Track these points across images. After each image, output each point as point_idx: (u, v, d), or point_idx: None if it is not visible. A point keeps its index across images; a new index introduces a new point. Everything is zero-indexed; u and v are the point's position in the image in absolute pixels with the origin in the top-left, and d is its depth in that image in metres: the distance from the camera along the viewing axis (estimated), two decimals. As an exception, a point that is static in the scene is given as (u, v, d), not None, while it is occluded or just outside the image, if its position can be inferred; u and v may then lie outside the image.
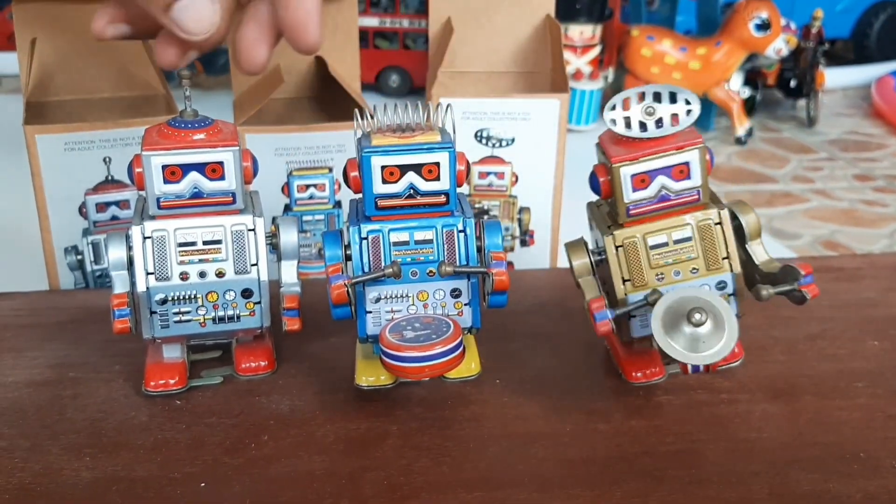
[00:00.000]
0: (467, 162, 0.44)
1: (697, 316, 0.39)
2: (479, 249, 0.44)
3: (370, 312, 0.44)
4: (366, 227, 0.43)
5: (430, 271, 0.44)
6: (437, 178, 0.43)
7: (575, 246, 0.46)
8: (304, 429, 0.43)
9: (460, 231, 0.44)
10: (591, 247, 0.46)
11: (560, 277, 0.62)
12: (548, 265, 0.68)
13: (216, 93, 1.28)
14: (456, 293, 0.44)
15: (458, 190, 0.44)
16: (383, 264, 0.43)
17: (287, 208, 0.62)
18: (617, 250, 0.44)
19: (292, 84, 0.67)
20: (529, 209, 0.66)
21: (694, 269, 0.44)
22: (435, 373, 0.40)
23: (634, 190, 0.44)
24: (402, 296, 0.44)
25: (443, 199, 0.43)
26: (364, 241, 0.43)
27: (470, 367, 0.46)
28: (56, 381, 0.47)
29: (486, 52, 0.69)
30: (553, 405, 0.45)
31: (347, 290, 0.42)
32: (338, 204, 0.63)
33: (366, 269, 0.43)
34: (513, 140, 0.64)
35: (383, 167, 0.42)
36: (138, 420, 0.44)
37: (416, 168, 0.42)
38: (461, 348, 0.41)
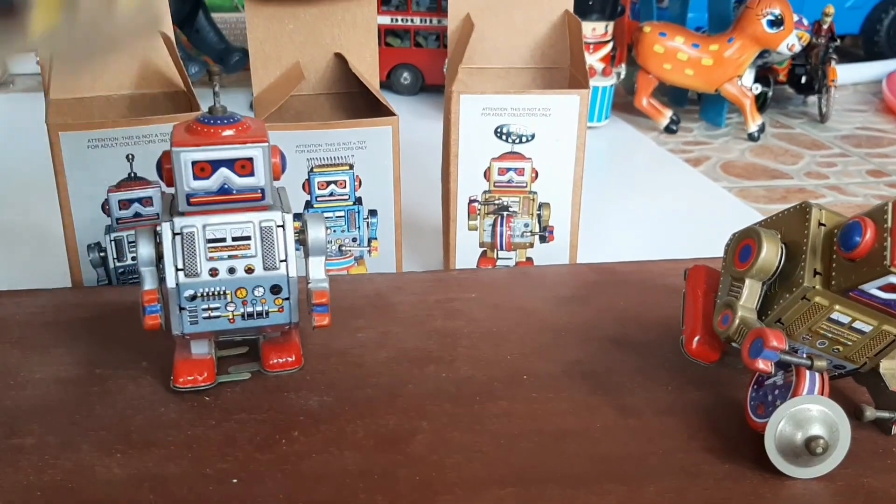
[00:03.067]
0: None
1: (814, 447, 0.38)
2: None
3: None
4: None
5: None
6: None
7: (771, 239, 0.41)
8: (334, 424, 0.43)
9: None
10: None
11: (581, 273, 0.62)
12: (567, 261, 0.67)
13: (231, 90, 1.27)
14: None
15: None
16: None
17: (307, 205, 0.62)
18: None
19: (312, 81, 0.67)
20: (549, 205, 0.66)
21: None
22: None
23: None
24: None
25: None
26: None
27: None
28: (83, 378, 0.47)
29: (505, 48, 0.69)
30: (583, 401, 0.45)
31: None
32: (358, 200, 0.63)
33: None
34: (533, 136, 0.64)
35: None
36: (168, 417, 0.44)
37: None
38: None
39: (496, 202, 0.66)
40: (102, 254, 0.59)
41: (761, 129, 1.21)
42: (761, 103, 1.27)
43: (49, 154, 0.56)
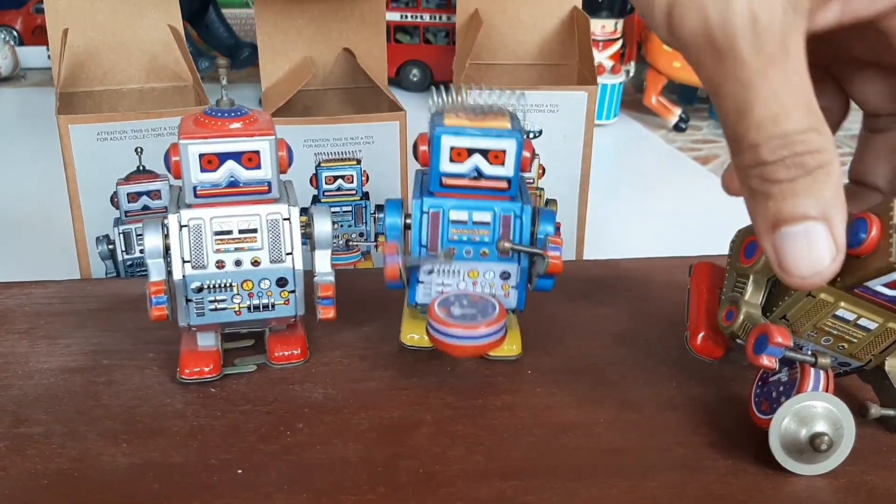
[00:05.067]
0: (533, 150, 0.45)
1: (819, 443, 0.38)
2: (532, 235, 0.45)
3: (422, 283, 0.46)
4: (428, 202, 0.45)
5: (484, 252, 0.45)
6: (503, 164, 0.44)
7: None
8: (338, 416, 0.43)
9: (517, 216, 0.45)
10: None
11: (586, 268, 0.62)
12: (573, 256, 0.68)
13: (240, 85, 1.28)
14: (505, 275, 0.46)
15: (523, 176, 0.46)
16: (440, 240, 0.45)
17: (315, 199, 0.62)
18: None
19: (320, 76, 0.67)
20: (556, 201, 0.66)
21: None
22: (477, 352, 0.43)
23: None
24: (454, 271, 0.46)
25: (505, 184, 0.44)
26: (425, 215, 0.45)
27: (511, 347, 0.48)
28: (90, 368, 0.47)
29: (513, 45, 0.69)
30: (585, 395, 0.45)
31: (400, 271, 0.44)
32: (365, 195, 0.63)
33: (423, 242, 0.45)
34: (540, 132, 0.64)
35: (452, 147, 0.44)
36: (173, 407, 0.44)
37: (483, 152, 0.44)
38: (503, 332, 0.43)
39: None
40: (111, 246, 0.59)
41: (771, 128, 1.20)
42: (771, 102, 1.26)
43: (59, 146, 0.56)
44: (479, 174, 0.44)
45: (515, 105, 0.45)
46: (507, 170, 0.44)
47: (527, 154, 0.44)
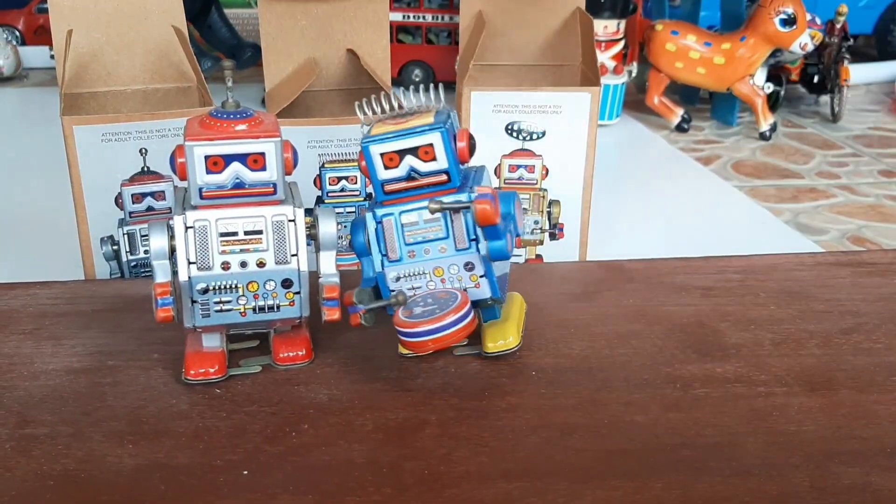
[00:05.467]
0: (469, 137, 0.45)
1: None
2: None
3: (393, 291, 0.46)
4: (379, 212, 0.46)
5: (442, 248, 0.46)
6: (434, 158, 0.45)
7: None
8: (343, 417, 0.44)
9: (465, 207, 0.45)
10: None
11: (590, 270, 0.62)
12: (577, 258, 0.68)
13: (242, 86, 1.28)
14: (469, 266, 0.46)
15: (473, 164, 0.47)
16: (398, 245, 0.46)
17: (319, 200, 0.62)
18: None
19: (324, 77, 0.67)
20: (559, 202, 0.66)
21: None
22: (444, 343, 0.43)
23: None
24: (419, 273, 0.46)
25: (444, 177, 0.45)
26: (379, 226, 0.46)
27: (508, 339, 0.48)
28: (95, 369, 0.47)
29: (516, 45, 0.69)
30: (589, 396, 0.45)
31: (362, 318, 0.45)
32: (369, 196, 0.63)
33: (382, 251, 0.46)
34: (543, 133, 0.64)
35: (382, 154, 0.45)
36: (179, 408, 0.44)
37: (413, 151, 0.44)
38: (471, 315, 0.44)
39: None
40: (115, 247, 0.59)
41: (773, 129, 1.20)
42: (773, 102, 1.26)
43: (63, 147, 0.56)
44: (417, 173, 0.45)
45: (435, 100, 0.45)
46: (441, 162, 0.45)
47: (462, 143, 0.45)
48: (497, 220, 0.43)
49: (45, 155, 0.76)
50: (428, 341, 0.43)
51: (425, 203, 0.45)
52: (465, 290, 0.46)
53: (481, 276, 0.46)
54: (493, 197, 0.43)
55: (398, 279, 0.46)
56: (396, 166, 0.45)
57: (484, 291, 0.46)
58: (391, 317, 0.45)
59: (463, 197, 0.45)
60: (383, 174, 0.45)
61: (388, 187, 0.45)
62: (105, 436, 0.42)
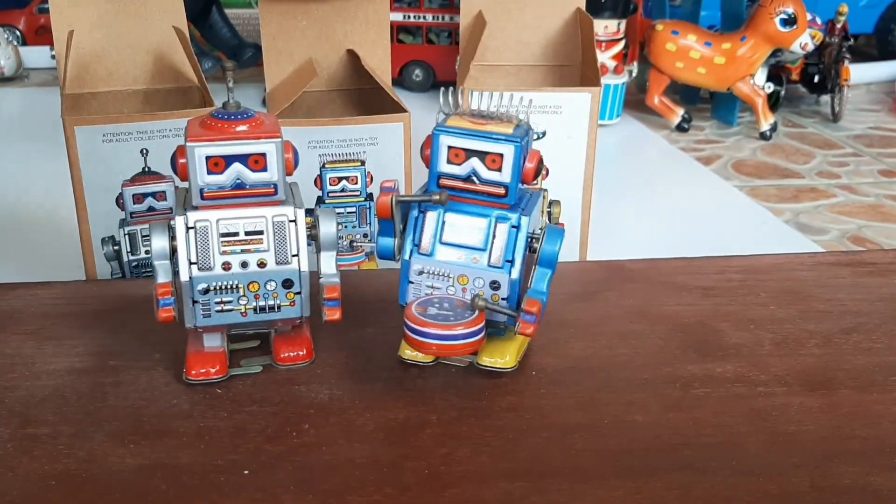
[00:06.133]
0: (539, 160, 0.44)
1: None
2: (533, 251, 0.45)
3: (412, 283, 0.45)
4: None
5: (475, 258, 0.44)
6: (499, 169, 0.43)
7: None
8: (344, 417, 0.44)
9: (513, 227, 0.44)
10: None
11: (590, 270, 0.62)
12: (577, 258, 0.68)
13: (243, 86, 1.28)
14: (495, 285, 0.45)
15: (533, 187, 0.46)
16: (433, 241, 0.45)
17: (319, 200, 0.63)
18: None
19: (324, 77, 0.67)
20: (559, 202, 0.66)
21: None
22: (450, 352, 0.42)
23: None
24: (443, 274, 0.45)
25: (502, 190, 0.44)
26: (421, 215, 0.45)
27: (505, 357, 0.47)
28: (97, 369, 0.48)
29: (516, 46, 0.70)
30: (590, 396, 0.46)
31: (391, 202, 0.44)
32: (369, 196, 0.63)
33: (416, 242, 0.45)
34: (544, 133, 0.64)
35: (449, 147, 0.44)
36: (180, 408, 0.44)
37: (481, 155, 0.43)
38: (481, 334, 0.43)
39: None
40: (116, 247, 0.60)
41: (773, 128, 1.20)
42: (773, 102, 1.26)
43: (64, 148, 0.56)
44: (478, 178, 0.44)
45: (521, 110, 0.45)
46: (504, 175, 0.43)
47: (530, 165, 0.44)
48: (534, 335, 0.44)
49: (47, 155, 0.76)
50: (433, 345, 0.43)
51: (474, 208, 0.44)
52: None
53: (504, 298, 0.45)
54: (536, 320, 0.43)
55: (421, 273, 0.45)
56: (460, 163, 0.44)
57: (502, 315, 0.45)
58: (402, 308, 0.45)
59: (511, 218, 0.44)
60: (444, 167, 0.44)
61: (444, 181, 0.44)
62: (107, 436, 0.42)
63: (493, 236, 0.44)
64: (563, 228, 0.45)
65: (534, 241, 0.45)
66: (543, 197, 0.67)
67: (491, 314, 0.44)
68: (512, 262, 0.44)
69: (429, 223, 0.45)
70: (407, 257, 0.45)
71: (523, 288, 0.45)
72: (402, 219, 0.45)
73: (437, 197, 0.43)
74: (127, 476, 0.39)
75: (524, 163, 0.44)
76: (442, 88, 0.45)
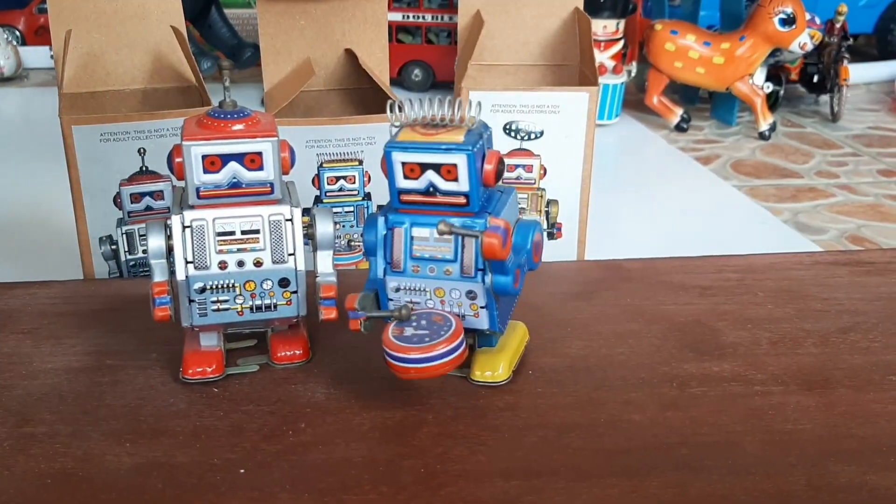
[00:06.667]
0: (498, 160, 0.43)
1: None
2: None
3: (392, 300, 0.45)
4: (391, 218, 0.44)
5: (447, 270, 0.44)
6: (456, 179, 0.42)
7: None
8: (341, 416, 0.44)
9: (473, 235, 0.43)
10: None
11: (588, 269, 0.62)
12: (575, 257, 0.68)
13: (242, 86, 1.29)
14: (471, 295, 0.44)
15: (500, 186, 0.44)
16: (404, 256, 0.44)
17: (317, 200, 0.63)
18: None
19: (322, 77, 0.67)
20: (557, 202, 0.66)
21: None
22: (426, 375, 0.41)
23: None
24: (419, 289, 0.44)
25: (462, 199, 0.43)
26: (389, 232, 0.44)
27: (497, 371, 0.46)
28: (94, 369, 0.48)
29: (514, 45, 0.70)
30: (587, 396, 0.46)
31: (361, 325, 0.44)
32: (367, 196, 0.63)
33: (387, 259, 0.44)
34: (541, 133, 0.64)
35: (403, 163, 0.42)
36: (177, 407, 0.44)
37: (435, 167, 0.42)
38: (462, 348, 0.42)
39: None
40: (114, 246, 0.60)
41: (772, 128, 1.20)
42: (773, 102, 1.27)
43: (62, 147, 0.57)
44: (436, 190, 0.43)
45: (475, 115, 0.43)
46: (461, 185, 0.42)
47: (489, 167, 0.42)
48: (504, 257, 0.41)
49: (45, 155, 0.76)
50: (411, 369, 0.41)
51: (438, 219, 0.43)
52: (463, 317, 0.44)
53: (482, 307, 0.44)
54: (505, 232, 0.41)
55: (398, 290, 0.44)
56: (416, 178, 0.43)
57: (482, 322, 0.44)
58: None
59: (477, 224, 0.43)
60: (402, 183, 0.43)
61: (405, 197, 0.43)
62: (104, 435, 0.42)
63: (462, 247, 0.43)
64: (537, 221, 0.45)
65: None
66: (541, 196, 0.67)
67: (470, 323, 0.44)
68: (484, 269, 0.43)
69: (397, 240, 0.44)
70: (381, 276, 0.44)
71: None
72: (377, 305, 0.45)
73: (399, 313, 0.43)
74: (124, 475, 0.39)
75: (482, 166, 0.42)
76: (388, 102, 0.44)
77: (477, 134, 0.42)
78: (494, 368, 0.46)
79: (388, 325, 0.43)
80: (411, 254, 0.44)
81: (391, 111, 0.43)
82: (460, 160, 0.41)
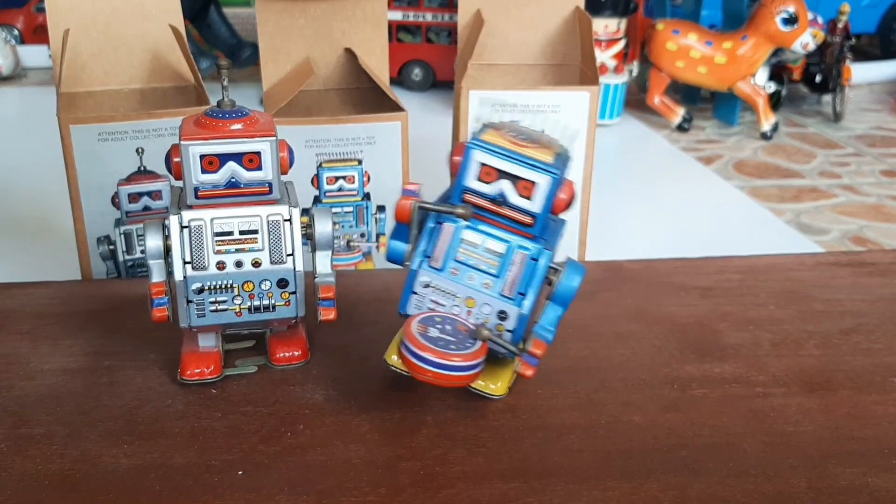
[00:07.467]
0: (572, 193, 0.42)
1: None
2: (549, 283, 0.42)
3: (416, 294, 0.43)
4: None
5: (486, 283, 0.42)
6: (530, 197, 0.41)
7: None
8: (339, 418, 0.43)
9: (533, 259, 0.42)
10: None
11: (589, 270, 0.62)
12: (576, 258, 0.67)
13: (241, 85, 1.28)
14: (502, 315, 0.42)
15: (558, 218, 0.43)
16: (445, 256, 0.42)
17: (316, 200, 0.62)
18: None
19: (322, 76, 0.67)
20: (558, 202, 0.66)
21: None
22: (442, 382, 0.40)
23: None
24: (450, 292, 0.42)
25: (529, 219, 0.41)
26: (437, 226, 0.42)
27: (497, 384, 0.44)
28: (92, 369, 0.47)
29: (515, 45, 0.69)
30: (587, 397, 0.45)
31: (413, 208, 0.41)
32: (367, 196, 0.63)
33: (427, 253, 0.42)
34: (542, 132, 0.64)
35: (482, 164, 0.41)
36: (174, 408, 0.44)
37: (513, 178, 0.41)
38: (478, 369, 0.40)
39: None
40: (112, 247, 0.59)
41: (774, 128, 1.20)
42: (775, 102, 1.26)
43: (60, 147, 0.56)
44: (504, 200, 0.41)
45: (565, 138, 0.42)
46: (535, 205, 0.41)
47: (563, 196, 0.41)
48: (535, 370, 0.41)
49: (44, 154, 0.76)
50: (427, 370, 0.39)
51: (495, 231, 0.41)
52: None
53: (508, 331, 0.42)
54: (538, 362, 0.41)
55: (427, 286, 0.43)
56: (489, 182, 0.41)
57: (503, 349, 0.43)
58: (402, 316, 0.43)
59: (532, 249, 0.41)
60: (472, 182, 0.41)
61: (468, 197, 0.41)
62: (101, 436, 0.42)
63: (511, 264, 0.42)
64: (585, 266, 0.43)
65: (552, 273, 0.42)
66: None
67: (491, 344, 0.42)
68: (525, 295, 0.42)
69: (444, 237, 0.42)
70: (415, 267, 0.42)
71: (531, 321, 0.43)
72: (419, 226, 0.43)
73: (461, 211, 0.41)
74: (121, 476, 0.39)
75: (557, 194, 0.41)
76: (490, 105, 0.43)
77: (564, 160, 0.42)
78: (494, 381, 0.44)
79: (415, 317, 0.41)
80: (455, 255, 0.42)
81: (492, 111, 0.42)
82: (543, 180, 0.40)
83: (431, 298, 0.43)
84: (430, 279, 0.43)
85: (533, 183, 0.40)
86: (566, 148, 0.42)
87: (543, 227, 0.42)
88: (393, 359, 0.44)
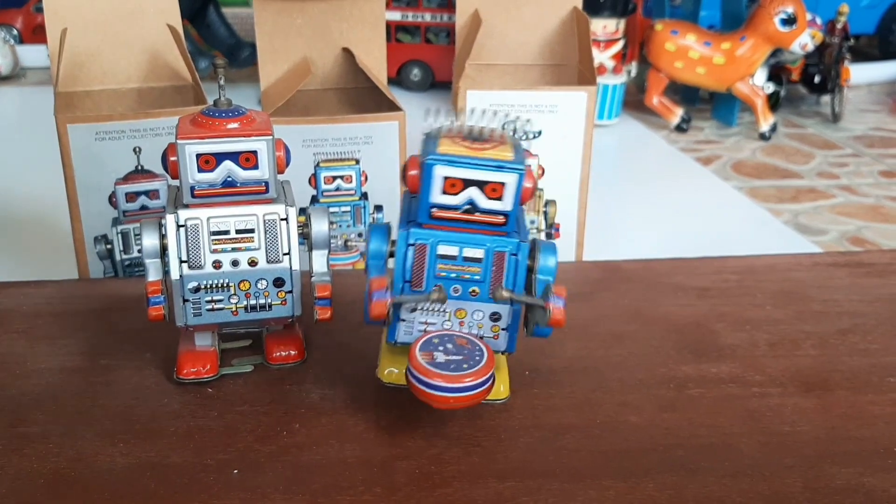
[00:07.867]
0: (535, 179, 0.41)
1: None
2: (530, 270, 0.41)
3: (403, 321, 0.42)
4: (415, 234, 0.40)
5: (473, 291, 0.41)
6: (500, 198, 0.40)
7: None
8: (335, 417, 0.43)
9: (512, 255, 0.41)
10: None
11: (586, 270, 0.62)
12: (573, 258, 0.67)
13: (240, 85, 1.28)
14: (495, 317, 0.42)
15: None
16: (426, 276, 0.41)
17: (314, 199, 0.62)
18: None
19: (319, 76, 0.67)
20: (555, 202, 0.66)
21: None
22: (462, 405, 0.39)
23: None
24: (439, 310, 0.42)
25: (501, 219, 0.40)
26: (410, 248, 0.41)
27: (499, 389, 0.44)
28: (88, 369, 0.47)
29: (513, 45, 0.69)
30: (584, 397, 0.45)
31: (389, 308, 0.40)
32: (364, 195, 0.63)
33: (406, 277, 0.41)
34: (539, 133, 0.64)
35: (445, 178, 0.39)
36: (171, 407, 0.44)
37: (480, 184, 0.39)
38: (491, 381, 0.40)
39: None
40: (109, 246, 0.59)
41: (773, 129, 1.20)
42: (774, 102, 1.26)
43: (57, 146, 0.56)
44: (474, 207, 0.40)
45: (517, 130, 0.41)
46: (505, 204, 0.40)
47: (528, 185, 0.39)
48: (564, 324, 0.40)
49: (42, 154, 0.76)
50: (438, 396, 0.38)
51: (468, 237, 0.40)
52: (482, 338, 0.42)
53: (503, 329, 0.42)
54: (565, 301, 0.40)
55: (414, 310, 0.42)
56: (456, 194, 0.39)
57: (501, 344, 0.42)
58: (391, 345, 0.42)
59: (509, 245, 0.40)
60: (438, 198, 0.39)
61: (437, 213, 0.40)
62: (97, 435, 0.42)
63: (492, 266, 0.41)
64: (554, 243, 0.42)
65: (530, 259, 0.41)
66: (539, 196, 0.66)
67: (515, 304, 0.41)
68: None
69: (419, 259, 0.41)
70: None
71: (522, 316, 0.42)
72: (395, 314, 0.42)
73: (437, 296, 0.40)
74: (116, 475, 0.39)
75: (524, 186, 0.40)
76: (426, 108, 0.41)
77: (520, 149, 0.40)
78: (497, 385, 0.43)
79: (415, 347, 0.40)
80: (435, 272, 0.41)
81: (427, 116, 0.40)
82: (511, 179, 0.39)
83: (420, 321, 0.42)
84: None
85: (502, 184, 0.39)
86: (513, 135, 0.41)
87: (515, 222, 0.41)
88: (389, 373, 0.44)
